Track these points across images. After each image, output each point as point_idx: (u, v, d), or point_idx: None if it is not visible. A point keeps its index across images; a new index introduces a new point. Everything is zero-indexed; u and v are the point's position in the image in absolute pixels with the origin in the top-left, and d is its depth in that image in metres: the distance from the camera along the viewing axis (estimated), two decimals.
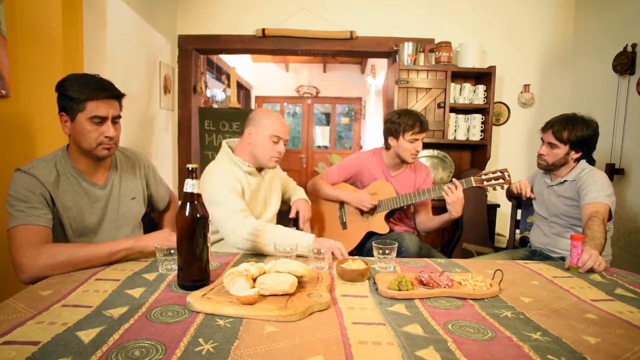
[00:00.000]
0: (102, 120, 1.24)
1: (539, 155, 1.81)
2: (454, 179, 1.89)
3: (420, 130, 1.97)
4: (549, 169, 1.82)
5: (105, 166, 1.38)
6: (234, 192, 1.50)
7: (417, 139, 1.98)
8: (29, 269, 1.08)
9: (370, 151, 2.21)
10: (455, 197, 1.84)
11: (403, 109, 2.14)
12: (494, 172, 1.87)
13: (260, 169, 1.69)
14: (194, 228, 0.98)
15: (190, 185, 0.98)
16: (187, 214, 0.98)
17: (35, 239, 1.12)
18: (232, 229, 1.41)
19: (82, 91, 1.21)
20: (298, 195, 1.94)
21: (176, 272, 1.04)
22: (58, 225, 1.25)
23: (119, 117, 1.32)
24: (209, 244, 1.03)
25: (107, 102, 1.25)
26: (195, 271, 1.00)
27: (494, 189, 1.90)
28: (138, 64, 2.58)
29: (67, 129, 1.26)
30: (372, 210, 2.08)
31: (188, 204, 0.98)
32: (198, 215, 0.99)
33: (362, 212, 2.10)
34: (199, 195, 1.00)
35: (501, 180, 1.85)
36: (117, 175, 1.41)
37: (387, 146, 2.08)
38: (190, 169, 0.99)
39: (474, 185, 1.88)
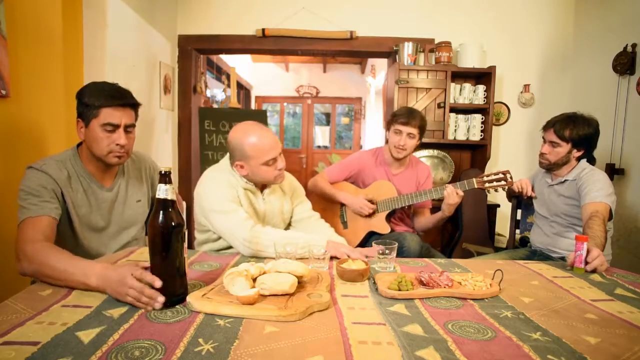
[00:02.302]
0: (114, 127, 1.25)
1: (541, 154, 1.81)
2: (456, 183, 1.90)
3: (405, 122, 1.96)
4: (551, 167, 1.82)
5: (113, 170, 1.40)
6: (236, 201, 1.44)
7: (401, 131, 1.98)
8: (21, 264, 1.07)
9: (372, 150, 2.21)
10: (456, 200, 1.86)
11: (408, 106, 2.18)
12: (495, 174, 1.87)
13: (263, 187, 1.57)
14: (169, 238, 0.88)
15: (163, 191, 0.89)
16: (159, 222, 0.88)
17: (40, 232, 1.12)
18: (241, 241, 1.34)
19: (97, 98, 1.23)
20: (328, 236, 1.60)
21: None
22: (67, 223, 1.27)
23: (133, 125, 1.32)
24: (185, 255, 0.94)
25: (120, 110, 1.26)
26: (171, 285, 0.90)
27: (496, 190, 1.90)
28: (138, 64, 2.58)
29: (82, 135, 1.28)
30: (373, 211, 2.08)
31: (161, 211, 0.88)
32: (173, 224, 0.89)
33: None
34: (173, 202, 0.90)
35: (503, 182, 1.85)
36: (123, 179, 1.43)
37: (386, 140, 2.12)
38: (163, 172, 0.90)
39: (476, 187, 1.88)
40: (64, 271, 0.98)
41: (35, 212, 1.15)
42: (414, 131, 1.98)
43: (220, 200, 1.41)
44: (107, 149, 1.27)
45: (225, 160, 1.54)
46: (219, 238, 1.48)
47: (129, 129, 1.30)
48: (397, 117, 1.99)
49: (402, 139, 1.99)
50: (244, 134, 1.42)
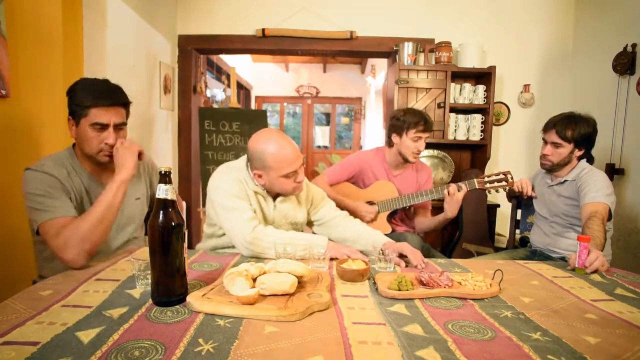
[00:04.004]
0: (103, 127, 1.26)
1: (543, 156, 1.81)
2: (458, 183, 1.89)
3: (425, 129, 1.97)
4: (553, 169, 1.82)
5: (111, 167, 1.38)
6: (244, 198, 1.42)
7: (420, 137, 1.98)
8: (75, 262, 1.12)
9: (373, 150, 2.21)
10: (456, 199, 1.86)
11: (409, 107, 2.14)
12: (496, 175, 1.88)
13: (277, 194, 1.51)
14: (169, 238, 0.89)
15: (163, 191, 0.89)
16: (159, 222, 0.88)
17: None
18: (242, 242, 1.33)
19: (86, 97, 1.24)
20: (362, 231, 1.55)
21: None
22: None
23: (124, 124, 1.32)
24: (185, 255, 0.95)
25: (110, 110, 1.26)
26: (171, 286, 0.91)
27: (497, 190, 1.90)
28: (138, 64, 2.58)
29: (73, 133, 1.29)
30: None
31: (161, 211, 0.88)
32: (173, 224, 0.89)
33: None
34: (173, 202, 0.90)
35: (504, 183, 1.85)
36: None
37: (390, 144, 2.09)
38: (163, 172, 0.90)
39: (477, 187, 1.88)
40: (99, 211, 1.17)
41: (57, 214, 1.16)
42: (428, 135, 2.01)
43: (227, 196, 1.40)
44: (96, 148, 1.28)
45: (243, 160, 1.50)
46: (224, 234, 1.47)
47: (120, 126, 1.31)
48: (416, 124, 1.96)
49: (422, 145, 2.00)
50: (267, 144, 1.36)
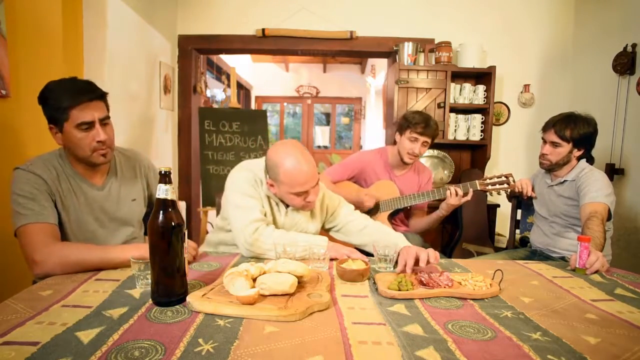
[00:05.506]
0: (89, 125, 1.20)
1: (542, 155, 1.81)
2: (461, 186, 1.90)
3: (423, 131, 1.97)
4: (552, 168, 1.82)
5: (103, 168, 1.36)
6: (256, 197, 1.40)
7: (416, 139, 1.98)
8: (42, 266, 1.09)
9: (375, 150, 2.22)
10: (457, 201, 1.88)
11: (420, 111, 2.15)
12: (498, 177, 1.89)
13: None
14: (169, 238, 0.89)
15: (163, 191, 0.89)
16: (159, 222, 0.88)
17: (46, 237, 1.13)
18: (243, 243, 1.33)
19: (61, 99, 1.17)
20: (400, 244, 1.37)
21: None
22: (59, 224, 1.24)
23: (107, 117, 1.27)
24: (185, 255, 0.95)
25: (89, 106, 1.20)
26: (171, 285, 0.91)
27: (498, 193, 1.91)
28: (138, 64, 2.58)
29: (59, 140, 1.23)
30: (375, 210, 2.08)
31: (161, 211, 0.89)
32: (173, 224, 0.89)
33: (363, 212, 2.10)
34: (173, 202, 0.91)
35: (505, 185, 1.87)
36: (116, 177, 1.39)
37: (394, 142, 2.11)
38: (163, 172, 0.90)
39: (479, 189, 1.89)
40: (91, 259, 1.11)
41: (35, 218, 1.14)
42: (429, 140, 2.00)
43: (239, 193, 1.39)
44: (89, 148, 1.22)
45: (263, 162, 1.45)
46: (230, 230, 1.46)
47: (104, 121, 1.25)
48: (415, 124, 1.96)
49: (417, 147, 1.99)
50: (283, 158, 1.32)
